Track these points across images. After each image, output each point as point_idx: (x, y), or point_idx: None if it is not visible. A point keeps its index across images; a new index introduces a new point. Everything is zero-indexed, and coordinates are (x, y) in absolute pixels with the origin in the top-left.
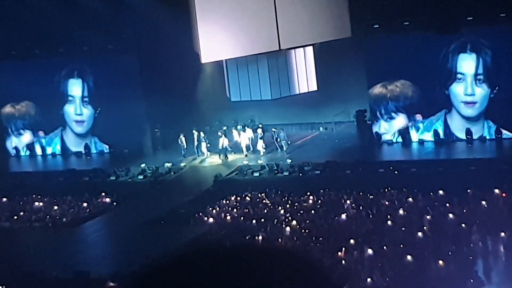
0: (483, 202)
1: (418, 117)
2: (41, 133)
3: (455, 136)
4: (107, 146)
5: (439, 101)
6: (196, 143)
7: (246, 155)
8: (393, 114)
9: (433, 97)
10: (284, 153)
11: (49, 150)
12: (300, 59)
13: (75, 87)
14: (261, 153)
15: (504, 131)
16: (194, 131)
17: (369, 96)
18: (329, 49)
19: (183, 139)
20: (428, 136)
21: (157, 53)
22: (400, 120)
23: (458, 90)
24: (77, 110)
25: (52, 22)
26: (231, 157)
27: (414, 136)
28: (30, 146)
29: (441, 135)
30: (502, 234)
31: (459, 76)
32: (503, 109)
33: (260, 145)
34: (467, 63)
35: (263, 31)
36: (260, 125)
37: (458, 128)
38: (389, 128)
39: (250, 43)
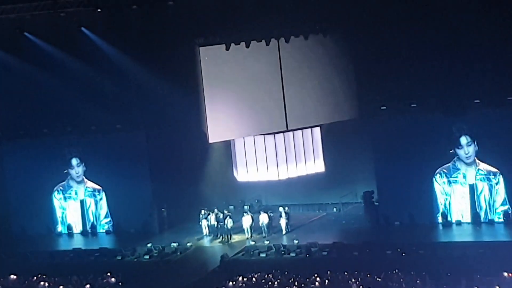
0: (492, 286)
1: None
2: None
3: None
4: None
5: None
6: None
7: (247, 238)
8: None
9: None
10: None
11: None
12: (308, 140)
13: (82, 167)
14: (285, 232)
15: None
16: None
17: (377, 177)
18: (336, 130)
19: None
20: (438, 218)
21: (164, 133)
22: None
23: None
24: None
25: (61, 101)
26: (238, 237)
27: (424, 217)
28: (37, 225)
29: (449, 217)
30: None
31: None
32: None
33: (284, 222)
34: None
35: (271, 112)
36: (287, 208)
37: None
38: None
39: (258, 123)
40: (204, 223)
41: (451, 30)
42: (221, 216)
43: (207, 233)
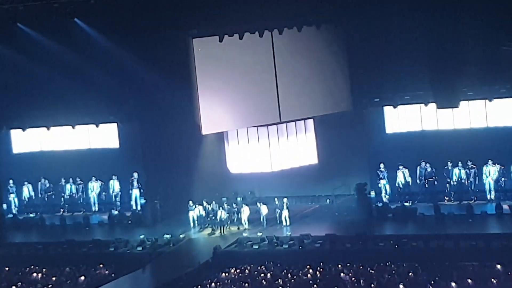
0: (485, 278)
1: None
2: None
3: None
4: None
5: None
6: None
7: (238, 228)
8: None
9: None
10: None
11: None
12: (301, 132)
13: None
14: (288, 223)
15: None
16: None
17: (370, 169)
18: (329, 122)
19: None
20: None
21: (158, 124)
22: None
23: None
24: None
25: (53, 92)
26: (231, 229)
27: (416, 210)
28: (28, 217)
29: (441, 209)
30: None
31: None
32: None
33: (287, 214)
34: None
35: (264, 103)
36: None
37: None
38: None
39: (251, 115)
40: (194, 214)
41: (444, 21)
42: (214, 208)
43: (199, 225)
